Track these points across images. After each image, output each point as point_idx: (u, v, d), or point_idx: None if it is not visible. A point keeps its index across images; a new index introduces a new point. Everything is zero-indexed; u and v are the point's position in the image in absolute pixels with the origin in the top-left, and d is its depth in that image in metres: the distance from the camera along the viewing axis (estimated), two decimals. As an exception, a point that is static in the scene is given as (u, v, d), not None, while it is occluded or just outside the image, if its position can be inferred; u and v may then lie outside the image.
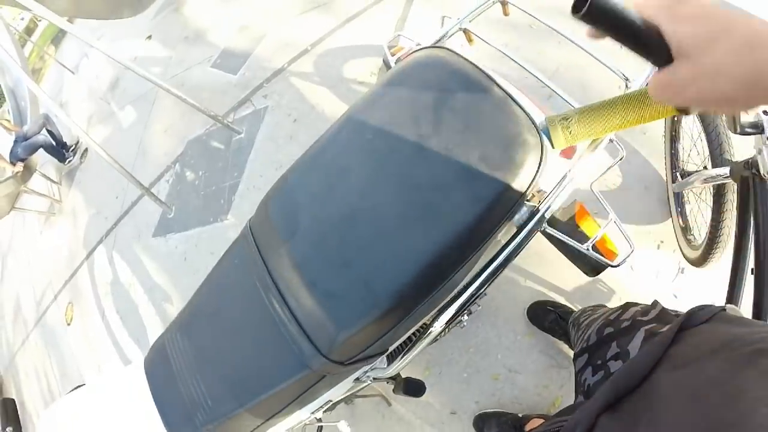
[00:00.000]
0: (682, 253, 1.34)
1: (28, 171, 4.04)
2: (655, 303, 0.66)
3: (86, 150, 4.09)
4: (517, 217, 0.63)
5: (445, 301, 0.68)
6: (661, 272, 1.39)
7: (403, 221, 0.62)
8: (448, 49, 0.73)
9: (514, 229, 0.64)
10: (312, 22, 2.63)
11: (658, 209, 1.45)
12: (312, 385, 0.69)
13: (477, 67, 0.67)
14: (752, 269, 0.85)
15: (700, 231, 1.29)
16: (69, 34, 4.88)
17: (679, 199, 1.37)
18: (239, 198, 2.31)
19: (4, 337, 4.12)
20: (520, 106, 0.63)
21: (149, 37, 3.98)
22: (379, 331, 0.63)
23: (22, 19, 7.41)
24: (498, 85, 0.65)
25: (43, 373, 3.27)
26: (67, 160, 4.10)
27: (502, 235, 0.66)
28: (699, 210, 1.30)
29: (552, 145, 0.49)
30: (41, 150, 3.95)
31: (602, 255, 0.62)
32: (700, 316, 0.47)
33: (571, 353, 1.39)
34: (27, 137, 3.89)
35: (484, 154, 0.61)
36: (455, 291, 0.68)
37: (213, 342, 0.79)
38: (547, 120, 0.49)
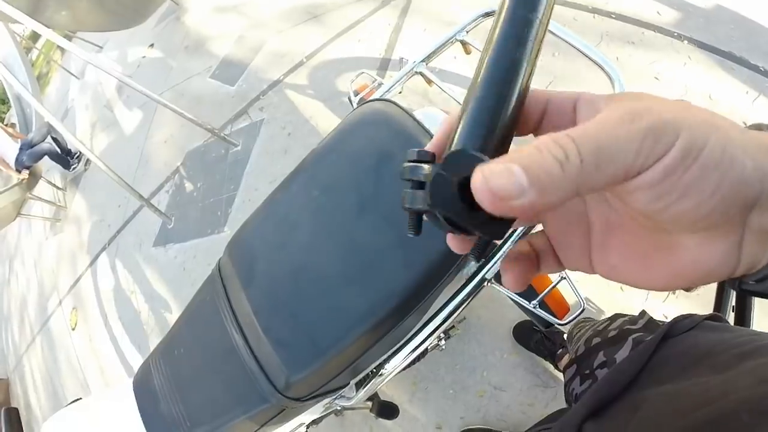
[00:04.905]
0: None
1: (34, 178, 4.10)
2: (643, 313, 0.66)
3: (90, 157, 4.16)
4: (465, 270, 0.65)
5: (398, 344, 0.71)
6: (651, 292, 1.40)
7: (342, 279, 0.65)
8: (393, 102, 0.74)
9: (464, 281, 0.66)
10: (307, 34, 2.65)
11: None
12: (275, 416, 0.75)
13: (419, 123, 0.69)
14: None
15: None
16: (74, 39, 4.95)
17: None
18: (235, 211, 2.35)
19: (11, 339, 4.21)
20: None
21: (152, 45, 4.03)
22: (329, 374, 0.67)
23: (29, 24, 7.48)
24: None
25: (48, 377, 3.34)
26: (72, 167, 4.15)
27: (450, 287, 0.68)
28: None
29: None
30: (46, 157, 4.00)
31: (551, 311, 0.63)
32: (684, 324, 0.47)
33: (557, 373, 1.41)
34: (32, 145, 3.92)
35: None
36: (406, 337, 0.70)
37: (189, 369, 0.84)
38: None
